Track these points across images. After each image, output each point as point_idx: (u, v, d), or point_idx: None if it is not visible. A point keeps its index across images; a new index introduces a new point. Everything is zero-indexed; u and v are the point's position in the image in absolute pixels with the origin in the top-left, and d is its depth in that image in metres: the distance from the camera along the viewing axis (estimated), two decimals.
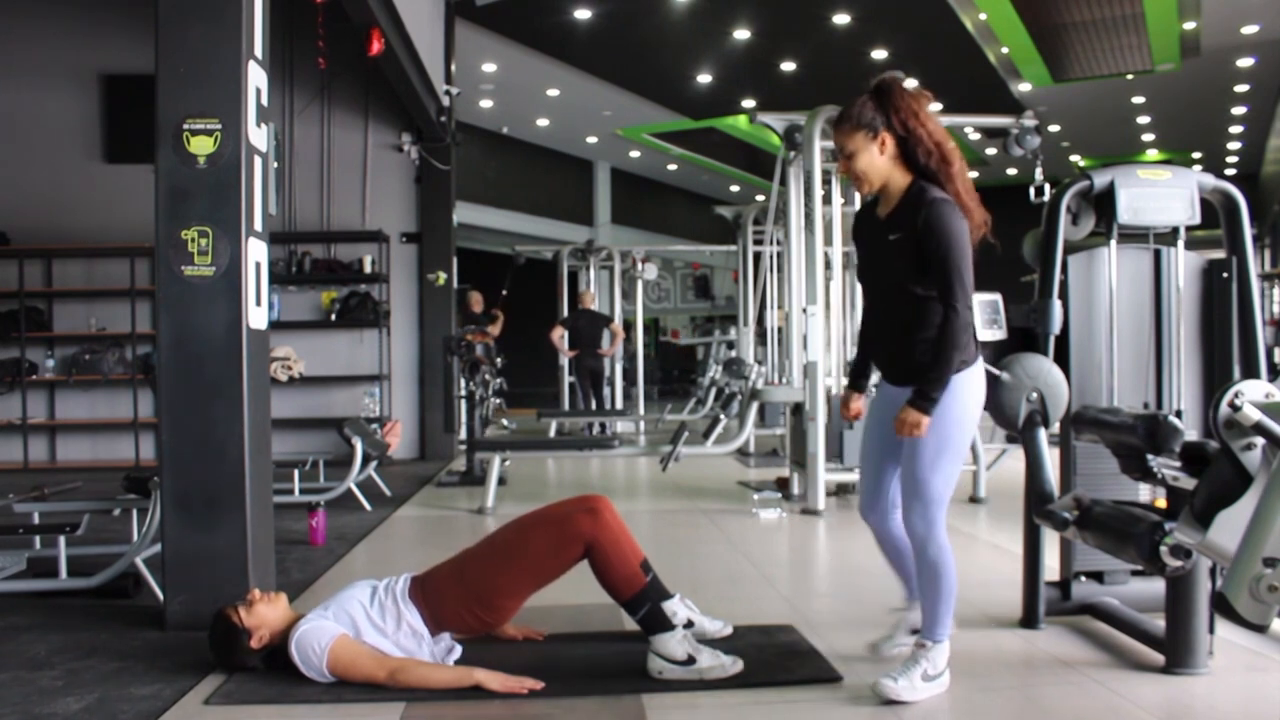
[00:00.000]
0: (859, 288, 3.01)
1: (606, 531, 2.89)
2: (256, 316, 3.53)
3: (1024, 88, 13.44)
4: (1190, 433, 2.72)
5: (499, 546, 2.98)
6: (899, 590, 3.07)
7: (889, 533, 2.93)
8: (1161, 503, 2.76)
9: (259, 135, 3.58)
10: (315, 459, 7.10)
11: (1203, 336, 3.31)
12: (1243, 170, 18.43)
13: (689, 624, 3.15)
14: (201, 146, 3.43)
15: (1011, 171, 19.05)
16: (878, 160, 2.71)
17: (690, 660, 2.82)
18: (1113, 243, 3.24)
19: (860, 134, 2.69)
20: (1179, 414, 3.08)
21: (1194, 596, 2.82)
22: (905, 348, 2.73)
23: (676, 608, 3.17)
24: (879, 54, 11.73)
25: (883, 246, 2.74)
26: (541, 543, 2.92)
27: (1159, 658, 2.92)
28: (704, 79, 13.01)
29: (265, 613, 2.92)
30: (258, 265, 3.55)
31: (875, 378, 3.00)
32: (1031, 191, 5.43)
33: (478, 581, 2.91)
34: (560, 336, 11.01)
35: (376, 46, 6.53)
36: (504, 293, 11.42)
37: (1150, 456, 2.62)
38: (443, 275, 9.12)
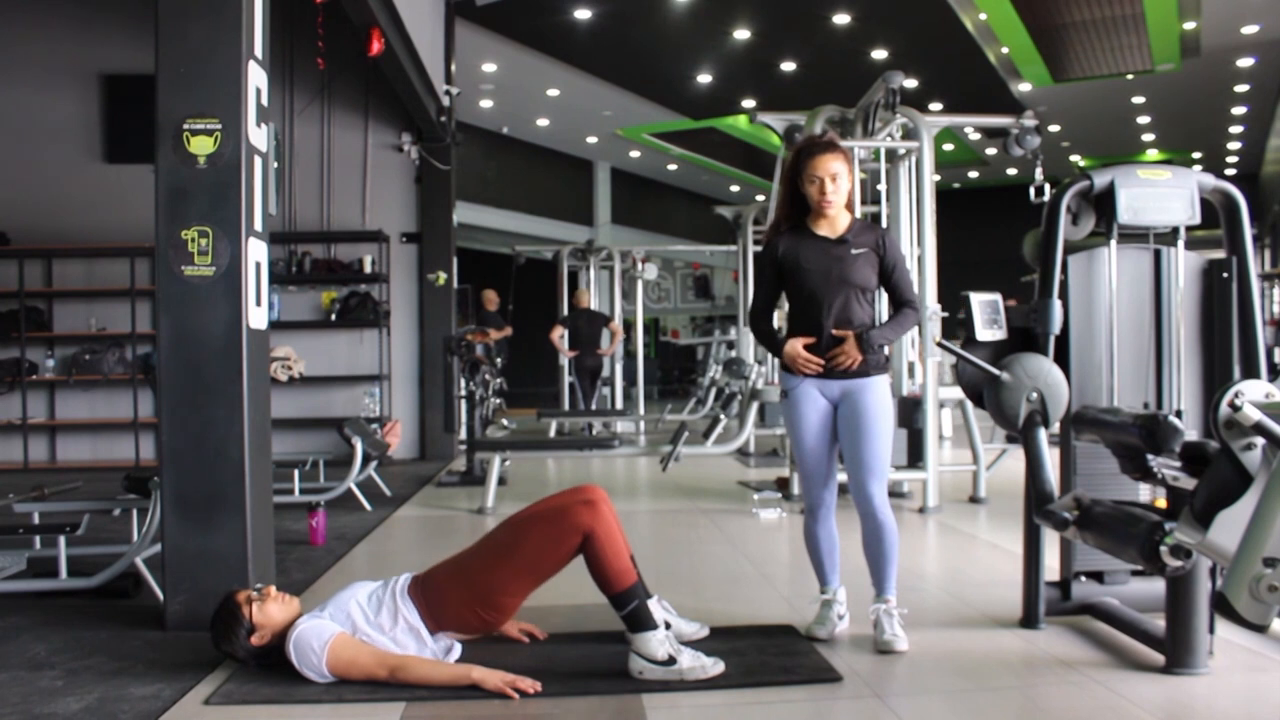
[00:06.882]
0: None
1: (603, 523, 2.88)
2: (256, 316, 3.53)
3: (1024, 88, 13.44)
4: (1190, 433, 2.72)
5: (498, 544, 2.98)
6: (834, 583, 3.31)
7: (831, 527, 3.29)
8: (1161, 503, 2.76)
9: (259, 135, 3.58)
10: (315, 459, 7.10)
11: (1203, 336, 3.31)
12: (1243, 170, 18.43)
13: (666, 625, 3.14)
14: (201, 146, 3.43)
15: (1011, 171, 19.07)
16: (849, 189, 3.19)
17: (671, 661, 2.82)
18: (1113, 243, 3.24)
19: (848, 163, 3.17)
20: (1179, 414, 3.07)
21: (1194, 596, 2.82)
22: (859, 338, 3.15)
23: (654, 609, 3.17)
24: (879, 54, 11.72)
25: (844, 259, 3.17)
26: (539, 536, 2.92)
27: (1159, 658, 2.92)
28: (704, 79, 13.00)
29: (275, 613, 2.92)
30: (258, 265, 3.55)
31: (793, 381, 3.21)
32: (1031, 191, 5.44)
33: (479, 580, 2.91)
34: (560, 337, 11.02)
35: (376, 46, 6.53)
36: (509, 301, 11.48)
37: (1150, 456, 2.62)
38: (443, 275, 9.12)
